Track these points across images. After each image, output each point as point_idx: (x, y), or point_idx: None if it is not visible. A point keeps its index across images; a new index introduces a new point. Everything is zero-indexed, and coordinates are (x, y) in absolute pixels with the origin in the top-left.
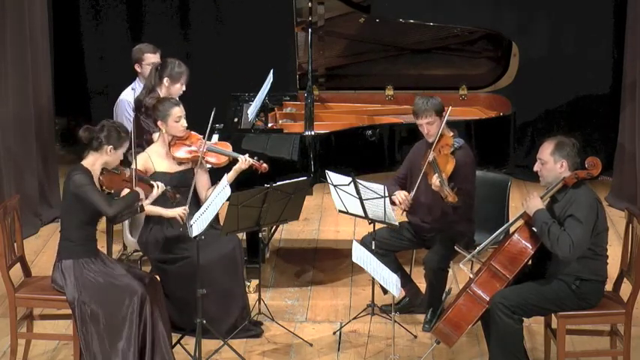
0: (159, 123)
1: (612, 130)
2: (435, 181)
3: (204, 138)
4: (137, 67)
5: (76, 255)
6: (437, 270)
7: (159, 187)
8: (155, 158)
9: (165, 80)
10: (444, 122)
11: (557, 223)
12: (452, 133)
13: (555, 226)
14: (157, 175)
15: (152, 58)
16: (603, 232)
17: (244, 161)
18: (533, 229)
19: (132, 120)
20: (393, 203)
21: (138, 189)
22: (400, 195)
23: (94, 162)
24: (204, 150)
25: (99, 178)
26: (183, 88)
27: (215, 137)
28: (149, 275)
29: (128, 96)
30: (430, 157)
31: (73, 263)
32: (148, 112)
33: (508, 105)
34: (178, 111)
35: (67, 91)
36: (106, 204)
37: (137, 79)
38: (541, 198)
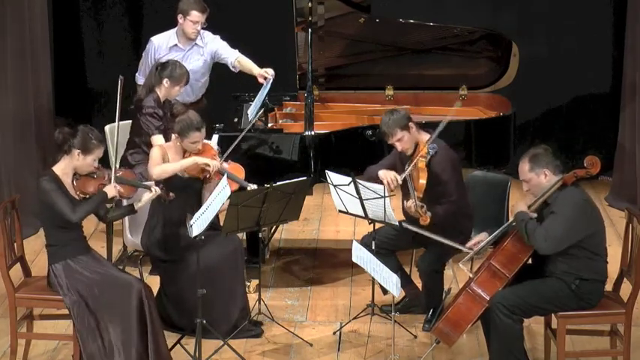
0: (175, 135)
1: (612, 130)
2: (409, 205)
3: (221, 157)
4: (179, 19)
5: (65, 256)
6: (430, 272)
7: (155, 192)
8: (170, 159)
9: (165, 81)
10: (415, 130)
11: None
12: (427, 138)
13: (532, 222)
14: (169, 177)
15: (197, 18)
16: (598, 232)
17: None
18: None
19: (152, 59)
20: (377, 182)
21: (106, 189)
22: (390, 174)
23: (65, 167)
24: (217, 171)
25: (72, 184)
26: (182, 91)
27: (215, 137)
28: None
29: (159, 39)
30: (407, 172)
31: (64, 265)
32: (174, 117)
33: (508, 105)
34: (197, 136)
35: (67, 91)
36: (70, 210)
37: (175, 30)
38: (537, 200)
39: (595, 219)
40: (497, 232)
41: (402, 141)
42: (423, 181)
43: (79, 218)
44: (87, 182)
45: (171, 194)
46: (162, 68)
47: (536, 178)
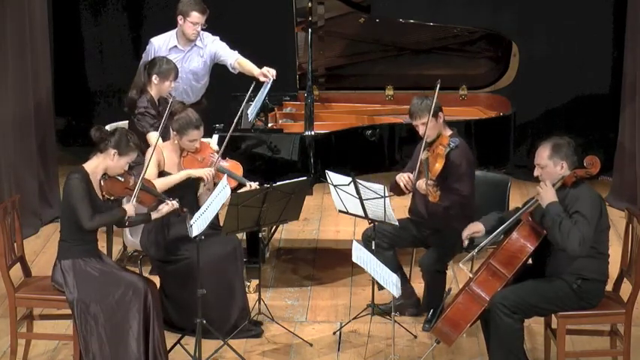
0: (173, 133)
1: (612, 130)
2: (420, 184)
3: (217, 154)
4: (179, 20)
5: (76, 255)
6: (433, 272)
7: (172, 205)
8: (166, 158)
9: (154, 78)
10: (442, 121)
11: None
12: (450, 132)
13: (567, 220)
14: (165, 175)
15: (197, 19)
16: (605, 230)
17: (250, 187)
18: (534, 225)
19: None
20: (398, 191)
21: (127, 207)
22: (404, 176)
23: (96, 165)
24: (215, 170)
25: (100, 183)
26: (173, 85)
27: (215, 137)
28: (146, 278)
29: (158, 40)
30: (423, 156)
31: (73, 262)
32: (173, 115)
33: (508, 105)
34: (196, 134)
35: (67, 91)
36: (87, 217)
37: (175, 31)
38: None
39: (606, 216)
40: (497, 231)
41: (426, 125)
42: (438, 166)
43: (92, 227)
44: (114, 184)
45: (185, 209)
46: (150, 66)
47: (552, 167)
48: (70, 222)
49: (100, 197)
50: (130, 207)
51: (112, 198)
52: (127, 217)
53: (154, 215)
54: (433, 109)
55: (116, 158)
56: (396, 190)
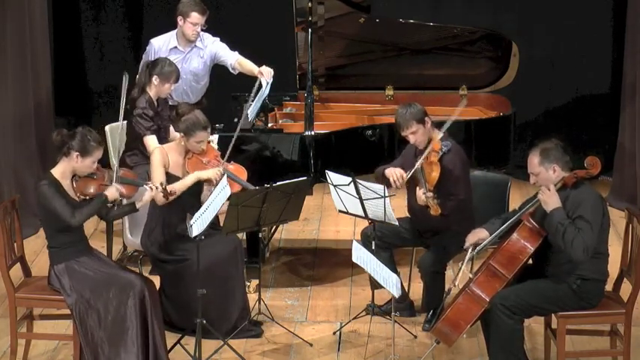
0: (180, 134)
1: (612, 130)
2: (420, 195)
3: (222, 158)
4: (179, 21)
5: (67, 257)
6: (432, 273)
7: (155, 189)
8: (171, 160)
9: (155, 78)
10: (430, 126)
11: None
12: (441, 135)
13: (571, 227)
14: (170, 177)
15: (197, 20)
16: (607, 230)
17: None
18: (534, 226)
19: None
20: (387, 184)
21: (107, 192)
22: (396, 172)
23: (63, 170)
24: (223, 171)
25: (72, 185)
26: (172, 88)
27: (215, 137)
28: (144, 276)
29: (158, 41)
30: (418, 165)
31: (66, 266)
32: (180, 116)
33: (508, 105)
34: (203, 136)
35: (67, 91)
36: (69, 214)
37: (175, 32)
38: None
39: (608, 216)
40: (497, 231)
41: (415, 134)
42: (435, 174)
43: (79, 222)
44: (87, 183)
45: (170, 190)
46: (152, 66)
47: (545, 173)
48: (53, 229)
49: (76, 198)
50: (111, 191)
51: (88, 198)
52: (110, 202)
53: (139, 204)
54: (418, 116)
55: (80, 160)
56: (382, 182)
